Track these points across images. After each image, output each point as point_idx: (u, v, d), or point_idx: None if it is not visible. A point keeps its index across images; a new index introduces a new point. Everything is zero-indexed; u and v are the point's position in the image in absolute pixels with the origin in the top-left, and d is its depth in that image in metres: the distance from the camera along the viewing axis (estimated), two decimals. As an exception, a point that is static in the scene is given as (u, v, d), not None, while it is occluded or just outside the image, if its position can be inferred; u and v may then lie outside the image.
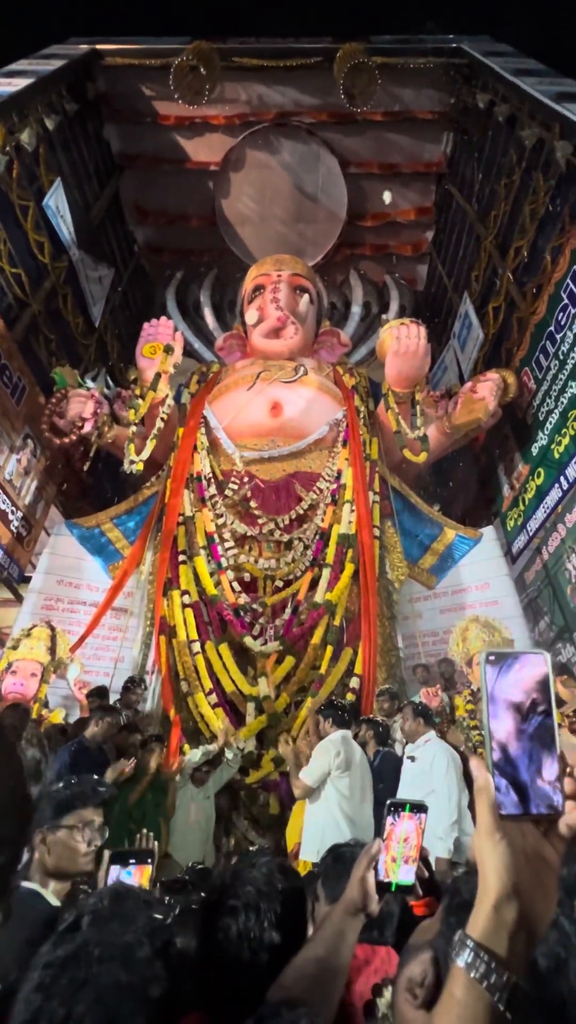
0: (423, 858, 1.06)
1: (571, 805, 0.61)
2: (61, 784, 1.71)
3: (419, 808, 1.04)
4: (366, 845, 1.09)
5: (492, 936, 0.59)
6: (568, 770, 0.62)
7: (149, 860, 1.08)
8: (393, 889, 1.03)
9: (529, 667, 0.64)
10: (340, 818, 3.10)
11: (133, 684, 5.13)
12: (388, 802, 1.05)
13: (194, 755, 4.10)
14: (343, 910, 1.05)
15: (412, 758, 3.34)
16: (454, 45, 8.70)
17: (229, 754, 4.17)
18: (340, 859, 1.42)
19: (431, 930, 0.86)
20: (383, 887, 1.03)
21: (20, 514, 6.77)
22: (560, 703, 4.39)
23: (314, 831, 3.17)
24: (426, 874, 1.06)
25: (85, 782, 1.72)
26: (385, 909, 1.38)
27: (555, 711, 0.64)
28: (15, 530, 6.70)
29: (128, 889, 0.92)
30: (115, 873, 1.07)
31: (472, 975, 0.59)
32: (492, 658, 0.65)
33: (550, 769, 0.62)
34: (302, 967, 1.00)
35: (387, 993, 1.02)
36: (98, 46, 8.64)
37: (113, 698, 5.04)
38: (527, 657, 0.65)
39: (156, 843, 1.65)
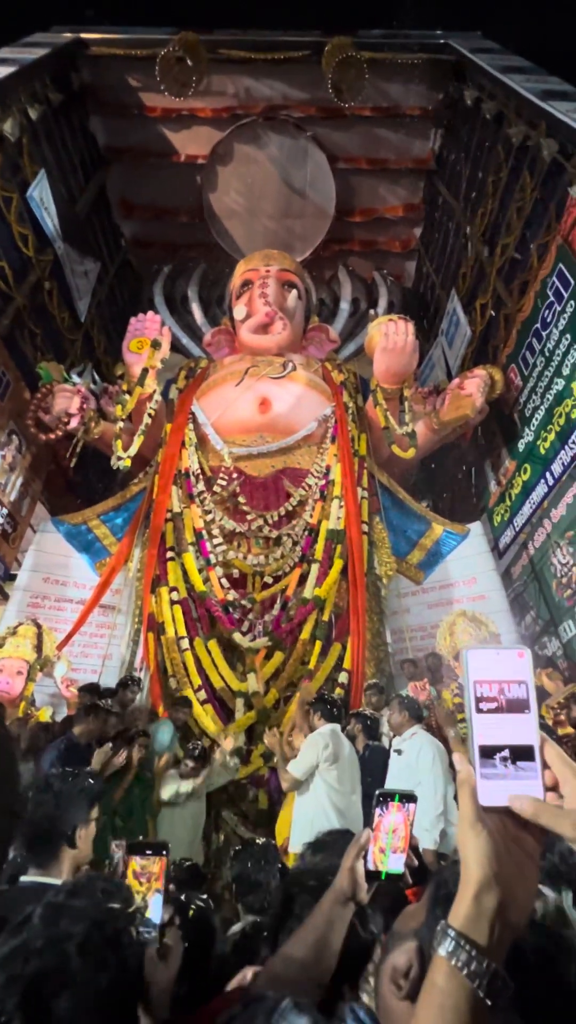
0: (413, 847, 1.06)
1: (552, 797, 0.62)
2: (80, 778, 1.73)
3: (408, 798, 1.05)
4: (355, 835, 1.10)
5: (473, 925, 0.60)
6: (547, 763, 0.63)
7: (164, 852, 1.08)
8: (383, 878, 1.03)
9: (510, 662, 0.66)
10: (329, 809, 3.12)
11: (132, 682, 5.08)
12: (377, 792, 1.05)
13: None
14: (332, 899, 1.06)
15: (399, 751, 3.37)
16: (442, 41, 8.70)
17: (228, 760, 4.15)
18: (322, 847, 1.42)
19: (416, 919, 0.86)
20: (373, 876, 1.03)
21: (5, 511, 6.68)
22: (545, 695, 4.46)
23: (303, 823, 3.18)
24: (415, 863, 1.07)
25: (85, 776, 1.74)
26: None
27: (534, 705, 0.65)
28: (0, 527, 6.62)
29: (91, 880, 0.93)
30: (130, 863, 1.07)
31: (454, 963, 0.59)
32: (474, 654, 0.67)
33: (531, 762, 0.63)
34: (291, 954, 1.01)
35: (372, 980, 1.02)
36: (83, 35, 8.50)
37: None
38: (508, 653, 0.66)
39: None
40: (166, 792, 3.76)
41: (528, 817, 0.61)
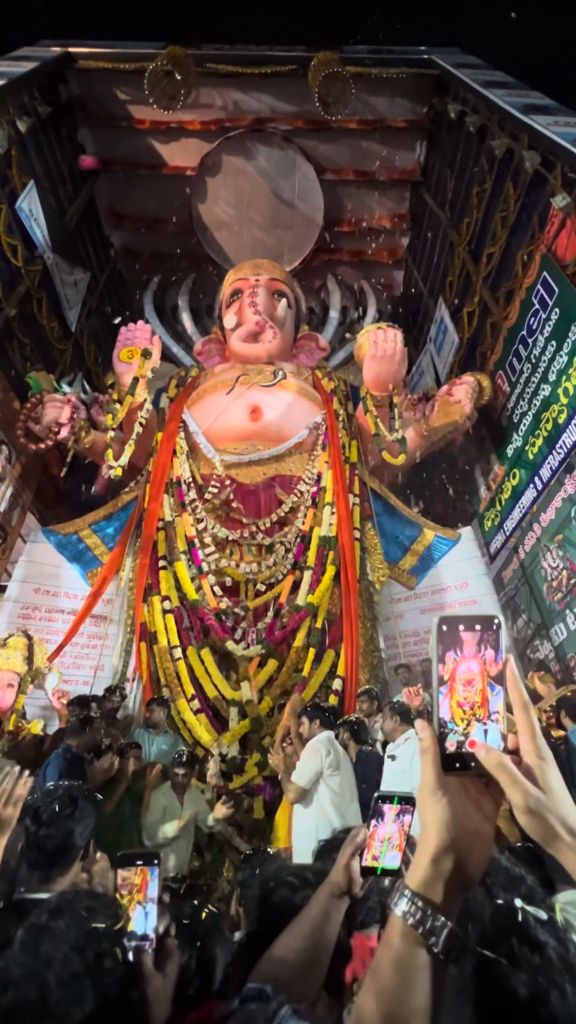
0: (412, 846, 1.07)
1: (513, 760, 0.63)
2: (91, 790, 1.73)
3: (407, 800, 1.05)
4: (351, 831, 1.11)
5: (429, 886, 0.62)
6: (512, 728, 0.65)
7: (155, 862, 1.07)
8: (379, 873, 1.04)
9: (479, 630, 0.66)
10: (333, 816, 3.11)
11: (110, 692, 5.06)
12: (376, 794, 1.07)
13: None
14: (327, 892, 1.07)
15: (392, 757, 3.37)
16: (425, 56, 8.88)
17: (210, 771, 4.08)
18: (331, 848, 1.43)
19: None
20: (368, 871, 1.04)
21: (-5, 521, 6.62)
22: (537, 699, 4.48)
23: (306, 831, 3.16)
24: (411, 858, 1.08)
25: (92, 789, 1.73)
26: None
27: (510, 673, 0.65)
28: (-10, 538, 6.56)
29: (76, 897, 0.91)
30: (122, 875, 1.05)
31: (409, 922, 0.61)
32: (442, 620, 0.67)
33: (495, 727, 0.64)
34: (286, 947, 1.01)
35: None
36: (71, 49, 8.58)
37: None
38: (478, 619, 0.67)
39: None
40: (156, 835, 3.61)
41: (489, 768, 0.62)
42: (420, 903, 0.61)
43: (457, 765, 0.64)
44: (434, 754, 0.64)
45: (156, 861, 1.04)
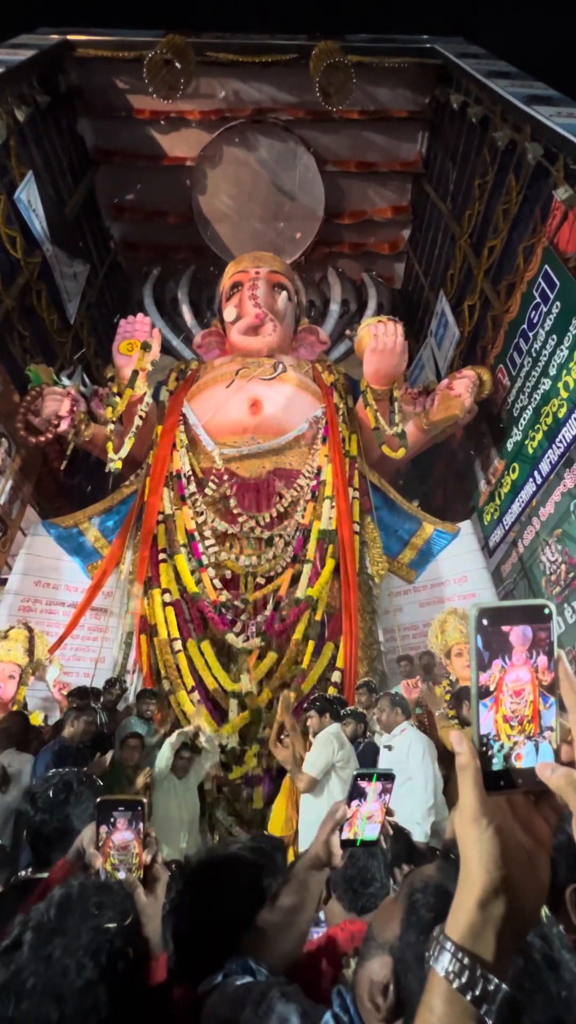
0: (394, 825, 1.10)
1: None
2: (89, 777, 1.74)
3: (386, 776, 1.07)
4: (331, 806, 1.14)
5: (477, 937, 0.49)
6: (568, 737, 0.55)
7: (139, 807, 1.04)
8: (358, 844, 1.07)
9: (529, 626, 0.55)
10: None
11: (110, 685, 5.10)
12: (355, 772, 1.09)
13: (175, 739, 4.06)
14: (307, 864, 1.10)
15: (389, 747, 3.42)
16: (428, 46, 8.79)
17: (203, 740, 4.12)
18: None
19: (391, 928, 0.81)
20: (348, 843, 1.07)
21: (-5, 514, 6.63)
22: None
23: (314, 821, 3.18)
24: (391, 832, 1.11)
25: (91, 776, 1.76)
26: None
27: (564, 673, 0.55)
28: (-10, 531, 6.57)
29: (83, 890, 0.86)
30: (104, 833, 1.06)
31: (454, 985, 0.49)
32: (483, 612, 0.55)
33: (545, 743, 0.54)
34: (268, 917, 1.05)
35: (353, 963, 1.05)
36: (70, 37, 8.48)
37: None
38: (526, 611, 0.55)
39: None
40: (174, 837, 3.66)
41: (558, 789, 0.51)
42: (467, 960, 0.49)
43: (502, 784, 0.53)
44: (475, 772, 0.53)
45: (140, 808, 1.05)
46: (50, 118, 8.26)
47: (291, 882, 1.09)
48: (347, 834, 1.06)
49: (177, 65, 8.18)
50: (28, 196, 7.14)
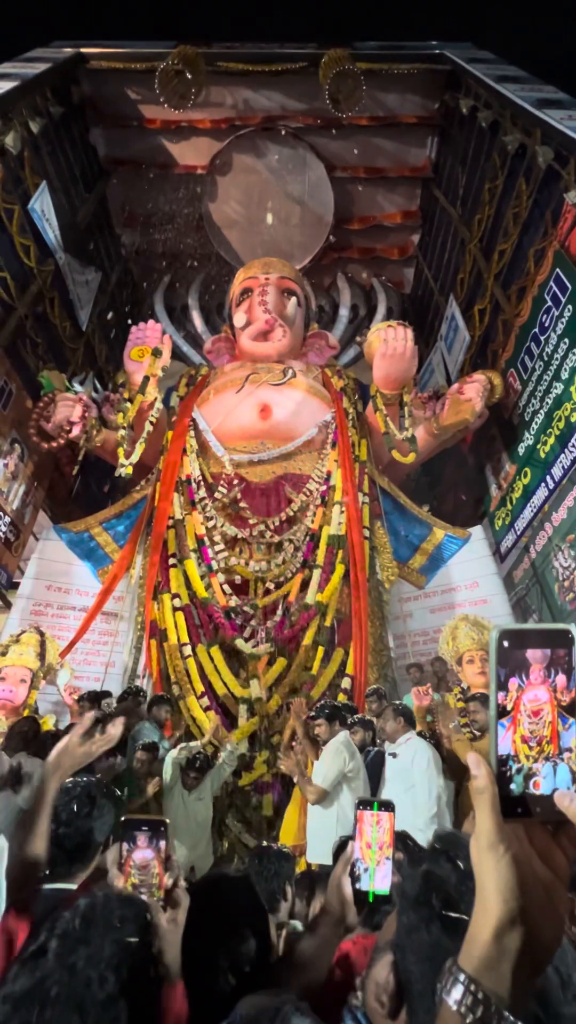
0: (403, 839, 1.08)
1: None
2: (109, 787, 1.77)
3: (386, 807, 1.04)
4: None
5: (491, 970, 0.47)
6: None
7: (162, 828, 1.05)
8: (371, 900, 1.03)
9: (548, 649, 0.55)
10: (353, 818, 3.12)
11: (130, 694, 5.05)
12: (356, 800, 1.07)
13: (178, 755, 4.05)
14: (327, 922, 1.09)
15: (394, 754, 3.40)
16: (437, 52, 8.81)
17: (223, 755, 4.13)
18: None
19: (390, 929, 0.83)
20: (360, 896, 1.04)
21: (8, 519, 6.71)
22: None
23: (324, 832, 3.16)
24: (399, 879, 1.10)
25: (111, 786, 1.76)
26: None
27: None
28: (2, 535, 6.64)
29: (107, 902, 0.87)
30: (126, 852, 1.05)
31: (467, 1020, 0.47)
32: (504, 634, 0.55)
33: (564, 765, 0.53)
34: (286, 965, 1.06)
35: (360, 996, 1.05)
36: (83, 50, 8.63)
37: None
38: (547, 634, 0.55)
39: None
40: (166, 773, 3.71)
41: (573, 817, 0.50)
42: (480, 994, 0.47)
43: (519, 811, 0.52)
44: (492, 797, 0.52)
45: (163, 828, 1.05)
46: (63, 129, 8.41)
47: (313, 937, 1.09)
48: (363, 885, 1.03)
49: (188, 75, 8.29)
50: (42, 206, 7.26)
